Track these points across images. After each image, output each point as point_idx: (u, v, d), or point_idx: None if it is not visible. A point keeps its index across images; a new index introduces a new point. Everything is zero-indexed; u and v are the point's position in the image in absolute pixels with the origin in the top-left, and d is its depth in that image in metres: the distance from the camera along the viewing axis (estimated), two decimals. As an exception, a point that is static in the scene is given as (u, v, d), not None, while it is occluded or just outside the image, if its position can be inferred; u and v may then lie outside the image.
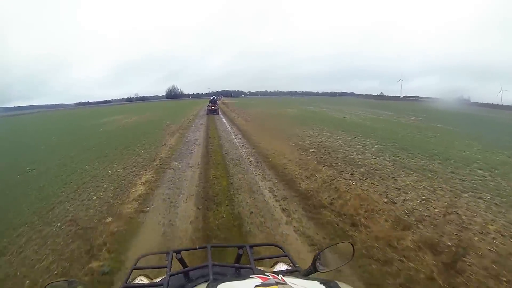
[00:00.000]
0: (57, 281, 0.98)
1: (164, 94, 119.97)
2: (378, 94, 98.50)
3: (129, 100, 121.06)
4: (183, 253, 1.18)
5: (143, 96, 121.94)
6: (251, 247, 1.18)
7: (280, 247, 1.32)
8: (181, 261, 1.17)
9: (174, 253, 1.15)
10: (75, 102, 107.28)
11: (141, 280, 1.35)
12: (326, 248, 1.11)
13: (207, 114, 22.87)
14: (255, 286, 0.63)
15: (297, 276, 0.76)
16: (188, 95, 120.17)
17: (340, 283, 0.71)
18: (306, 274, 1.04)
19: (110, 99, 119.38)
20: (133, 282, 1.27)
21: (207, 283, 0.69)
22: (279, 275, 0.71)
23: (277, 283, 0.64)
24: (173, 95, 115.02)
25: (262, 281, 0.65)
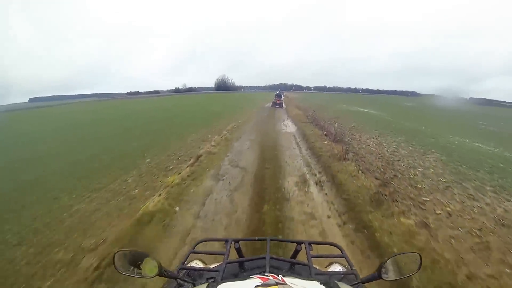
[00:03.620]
0: (126, 250, 0.95)
1: (213, 86, 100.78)
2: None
3: (177, 91, 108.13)
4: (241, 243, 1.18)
5: (191, 88, 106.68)
6: (310, 244, 1.15)
7: (339, 248, 1.24)
8: (238, 250, 1.18)
9: (233, 242, 1.17)
10: (125, 92, 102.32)
11: (197, 263, 1.33)
12: (393, 256, 1.00)
13: (271, 106, 22.71)
14: (255, 286, 0.64)
15: (297, 277, 0.73)
16: (240, 88, 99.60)
17: (340, 283, 0.73)
18: (369, 280, 0.99)
19: (159, 89, 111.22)
20: (189, 265, 1.25)
21: (207, 283, 0.72)
22: (279, 275, 0.70)
23: (277, 283, 0.64)
24: (223, 86, 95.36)
25: (262, 281, 0.66)
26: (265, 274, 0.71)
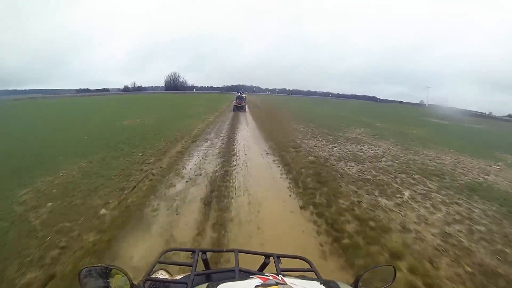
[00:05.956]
0: (92, 266, 0.90)
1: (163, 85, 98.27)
2: (419, 102, 79.82)
3: (126, 90, 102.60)
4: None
5: (140, 86, 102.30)
6: (278, 257, 1.15)
7: (307, 261, 1.23)
8: (205, 261, 1.17)
9: (200, 253, 1.14)
10: (75, 89, 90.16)
11: (162, 274, 1.31)
12: (368, 270, 1.05)
13: (233, 110, 22.09)
14: (255, 286, 0.63)
15: (297, 278, 0.74)
16: (192, 88, 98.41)
17: (340, 283, 0.72)
18: None
19: (109, 87, 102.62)
20: (154, 276, 1.24)
21: (207, 284, 0.68)
22: (279, 275, 0.70)
23: (277, 283, 0.64)
24: (174, 86, 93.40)
25: (262, 281, 0.65)
26: (265, 274, 0.70)
